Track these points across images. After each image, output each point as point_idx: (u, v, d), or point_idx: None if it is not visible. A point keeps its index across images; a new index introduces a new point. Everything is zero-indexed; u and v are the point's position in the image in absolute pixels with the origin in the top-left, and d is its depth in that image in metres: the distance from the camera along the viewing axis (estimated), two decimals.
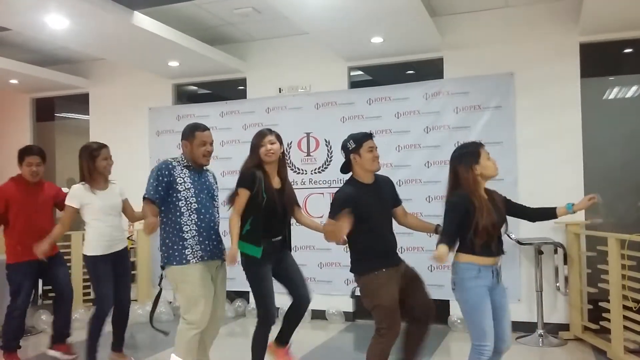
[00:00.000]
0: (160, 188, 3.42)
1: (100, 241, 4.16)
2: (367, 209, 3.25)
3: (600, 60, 5.51)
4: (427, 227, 3.56)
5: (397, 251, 3.45)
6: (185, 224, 3.47)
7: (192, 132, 3.55)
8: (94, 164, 4.19)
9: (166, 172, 3.44)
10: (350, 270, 3.37)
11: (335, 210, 3.19)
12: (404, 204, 3.63)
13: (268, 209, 3.54)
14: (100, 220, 4.17)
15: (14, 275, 4.42)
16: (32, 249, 4.18)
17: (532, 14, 5.40)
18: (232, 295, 6.39)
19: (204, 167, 3.68)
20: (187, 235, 3.47)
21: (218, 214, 3.72)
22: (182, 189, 3.46)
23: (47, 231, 4.29)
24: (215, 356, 3.83)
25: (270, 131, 3.68)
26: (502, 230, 3.12)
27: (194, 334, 3.41)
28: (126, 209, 4.43)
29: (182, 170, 3.51)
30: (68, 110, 8.00)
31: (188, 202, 3.48)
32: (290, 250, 3.82)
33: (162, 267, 3.56)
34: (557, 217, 3.28)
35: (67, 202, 4.17)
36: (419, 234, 5.34)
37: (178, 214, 3.47)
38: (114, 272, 4.21)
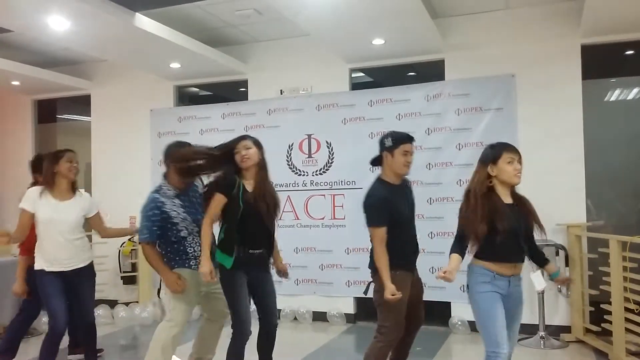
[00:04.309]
0: (155, 227, 3.47)
1: (45, 257, 3.70)
2: (400, 214, 3.28)
3: (602, 62, 5.50)
4: None
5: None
6: (189, 245, 3.56)
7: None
8: (56, 167, 3.75)
9: (157, 212, 3.46)
10: (369, 266, 3.36)
11: (381, 216, 3.20)
12: None
13: (246, 218, 3.32)
14: (49, 234, 3.69)
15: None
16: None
17: (534, 16, 5.39)
18: None
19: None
20: (189, 250, 3.56)
21: None
22: (178, 221, 3.50)
23: None
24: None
25: (246, 136, 3.51)
26: (523, 238, 2.98)
27: (176, 332, 3.49)
28: (95, 224, 3.98)
29: (172, 202, 3.50)
30: (70, 111, 8.00)
31: (189, 229, 3.54)
32: (270, 274, 3.57)
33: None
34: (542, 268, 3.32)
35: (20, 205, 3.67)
36: (423, 235, 5.34)
37: (182, 234, 3.54)
38: (73, 290, 3.79)
